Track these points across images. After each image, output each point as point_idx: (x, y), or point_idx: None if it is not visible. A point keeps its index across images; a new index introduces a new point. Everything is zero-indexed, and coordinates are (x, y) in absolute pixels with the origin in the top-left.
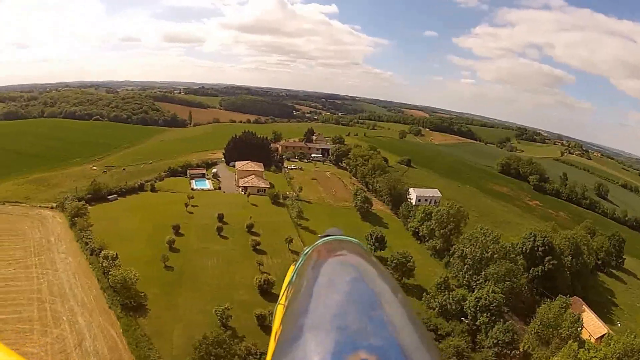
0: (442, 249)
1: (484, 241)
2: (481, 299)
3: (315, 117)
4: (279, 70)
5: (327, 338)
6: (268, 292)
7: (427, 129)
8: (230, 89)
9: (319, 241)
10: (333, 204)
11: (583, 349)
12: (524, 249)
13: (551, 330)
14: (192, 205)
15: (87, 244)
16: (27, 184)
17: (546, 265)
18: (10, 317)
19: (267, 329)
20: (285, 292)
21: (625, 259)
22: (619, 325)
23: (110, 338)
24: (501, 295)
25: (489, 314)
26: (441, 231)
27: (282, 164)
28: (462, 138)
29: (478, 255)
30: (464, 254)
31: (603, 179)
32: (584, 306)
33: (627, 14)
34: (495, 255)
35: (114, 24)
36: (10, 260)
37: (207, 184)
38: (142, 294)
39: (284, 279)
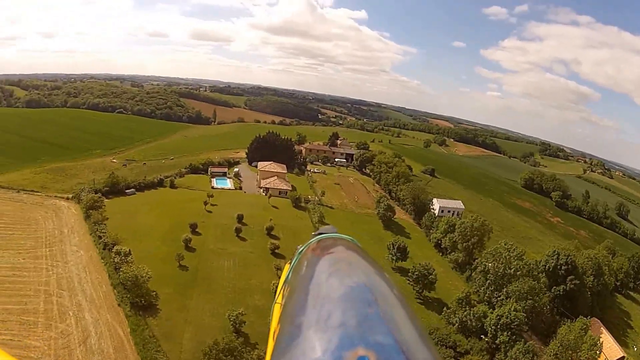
0: (464, 262)
1: (507, 257)
2: (502, 316)
3: (340, 122)
4: (306, 73)
5: (325, 336)
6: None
7: (452, 140)
8: (256, 89)
9: (313, 239)
10: (355, 211)
11: None
12: (546, 267)
13: (570, 352)
14: (212, 204)
15: (100, 237)
16: (44, 173)
17: (568, 284)
18: (16, 307)
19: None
20: (282, 291)
21: None
22: (635, 349)
23: (116, 337)
24: (523, 314)
25: (509, 332)
26: (464, 244)
27: (306, 167)
28: (486, 150)
29: (501, 271)
30: (486, 269)
31: (624, 198)
32: (602, 328)
33: None
34: (518, 272)
35: (142, 18)
36: (20, 250)
37: (228, 183)
38: (154, 293)
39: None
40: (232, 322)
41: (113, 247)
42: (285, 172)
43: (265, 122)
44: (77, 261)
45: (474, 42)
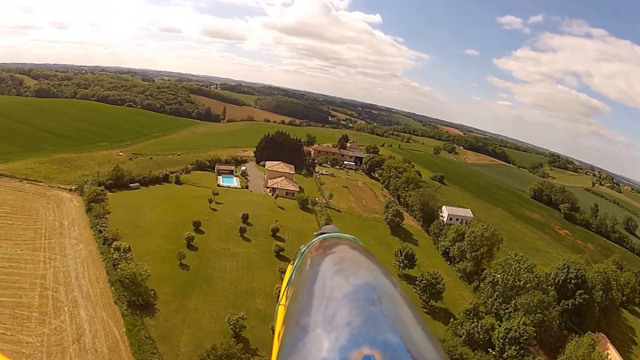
0: (472, 272)
1: (517, 268)
2: (511, 330)
3: (350, 125)
4: (318, 75)
5: (330, 336)
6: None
7: (461, 147)
8: (267, 88)
9: (315, 239)
10: (363, 215)
11: None
12: (556, 280)
13: None
14: (217, 202)
15: (100, 232)
16: (49, 163)
17: (577, 299)
18: (10, 300)
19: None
20: (285, 292)
21: None
22: None
23: (111, 336)
24: (532, 328)
25: (517, 347)
26: (473, 254)
27: (314, 169)
28: (495, 159)
29: (510, 282)
30: (495, 280)
31: (632, 213)
32: (608, 344)
33: None
34: (528, 285)
35: (156, 12)
36: (18, 241)
37: (235, 182)
38: (152, 292)
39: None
40: (232, 327)
41: (113, 242)
42: (294, 172)
43: (274, 122)
44: (75, 255)
45: (486, 50)
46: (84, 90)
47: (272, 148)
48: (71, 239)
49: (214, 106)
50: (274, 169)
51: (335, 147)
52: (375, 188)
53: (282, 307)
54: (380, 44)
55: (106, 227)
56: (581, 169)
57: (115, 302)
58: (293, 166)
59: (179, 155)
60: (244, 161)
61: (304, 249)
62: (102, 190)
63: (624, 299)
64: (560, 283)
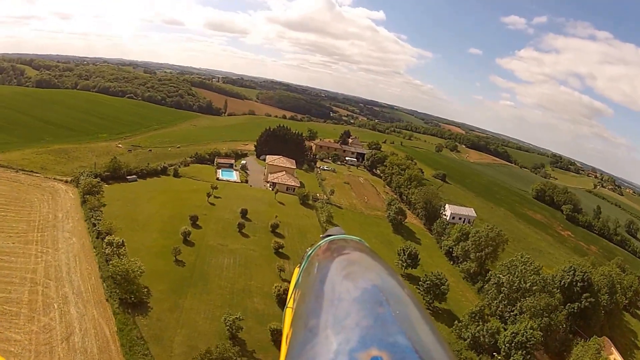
0: (476, 272)
1: (523, 270)
2: (518, 334)
3: (352, 121)
4: (320, 70)
5: (338, 337)
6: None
7: (463, 146)
8: (269, 83)
9: (321, 241)
10: (364, 212)
11: None
12: (562, 283)
13: None
14: (215, 196)
15: (94, 225)
16: (46, 154)
17: (583, 302)
18: None
19: (281, 346)
20: (293, 295)
21: None
22: None
23: (102, 336)
24: (539, 332)
25: (524, 352)
26: (477, 254)
27: (315, 164)
28: (497, 159)
29: (515, 285)
30: (500, 281)
31: (634, 216)
32: (612, 348)
33: None
34: (534, 287)
35: (159, 4)
36: (10, 233)
37: (234, 176)
38: (145, 290)
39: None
40: (228, 327)
41: (106, 236)
42: (294, 167)
43: (276, 116)
44: (68, 249)
45: (490, 50)
46: (85, 81)
47: (273, 142)
48: (64, 232)
49: (215, 99)
50: (275, 164)
51: (337, 143)
52: (377, 185)
53: (290, 309)
54: (383, 40)
55: (100, 220)
56: (583, 170)
57: (107, 300)
58: (294, 161)
59: (179, 147)
60: (244, 155)
61: (310, 251)
62: (98, 182)
63: (627, 302)
64: (566, 286)
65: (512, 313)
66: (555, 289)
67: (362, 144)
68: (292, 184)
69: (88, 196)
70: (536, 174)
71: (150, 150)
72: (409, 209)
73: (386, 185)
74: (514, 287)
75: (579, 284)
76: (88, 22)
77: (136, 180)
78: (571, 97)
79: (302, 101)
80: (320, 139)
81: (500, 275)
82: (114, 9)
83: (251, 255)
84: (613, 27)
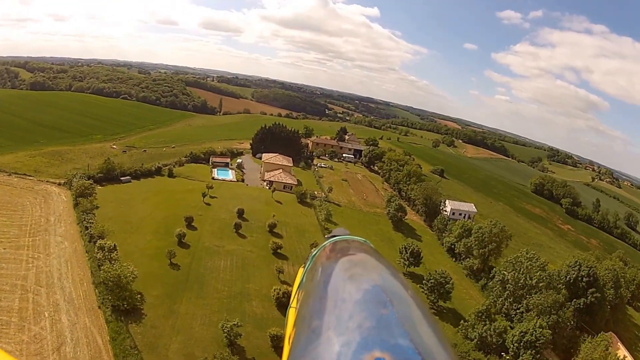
0: (479, 269)
1: (528, 267)
2: (527, 333)
3: (347, 118)
4: (315, 68)
5: (341, 338)
6: (287, 307)
7: (460, 141)
8: (264, 81)
9: (326, 242)
10: (364, 209)
11: None
12: (567, 278)
13: None
14: (211, 196)
15: (87, 228)
16: (39, 157)
17: (589, 297)
18: None
19: (281, 352)
20: (296, 295)
21: None
22: None
23: (94, 345)
24: (549, 331)
25: (533, 351)
26: (480, 250)
27: (312, 161)
28: (494, 153)
29: (521, 282)
30: (505, 278)
31: (633, 209)
32: (619, 343)
33: None
34: (541, 284)
35: (153, 4)
36: (2, 238)
37: (230, 175)
38: (139, 296)
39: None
40: (226, 334)
41: (98, 240)
42: (291, 165)
43: (271, 115)
44: (59, 254)
45: (485, 45)
46: (79, 82)
47: (269, 140)
48: (56, 236)
49: (210, 99)
50: (271, 162)
51: (334, 140)
52: (375, 181)
53: (293, 309)
54: (378, 37)
55: (93, 223)
56: (580, 163)
57: (99, 307)
58: (291, 159)
59: (174, 147)
60: (240, 154)
61: (315, 252)
62: (91, 184)
63: (630, 296)
64: (571, 281)
65: (518, 311)
66: (560, 285)
67: (359, 140)
68: (290, 182)
69: (80, 199)
70: (533, 167)
71: (144, 150)
72: (408, 206)
73: (385, 182)
74: (520, 284)
75: (584, 279)
76: (84, 23)
77: (130, 181)
78: (567, 90)
79: (298, 99)
80: (317, 136)
81: (505, 272)
82: (110, 10)
83: (248, 256)
84: (609, 21)
